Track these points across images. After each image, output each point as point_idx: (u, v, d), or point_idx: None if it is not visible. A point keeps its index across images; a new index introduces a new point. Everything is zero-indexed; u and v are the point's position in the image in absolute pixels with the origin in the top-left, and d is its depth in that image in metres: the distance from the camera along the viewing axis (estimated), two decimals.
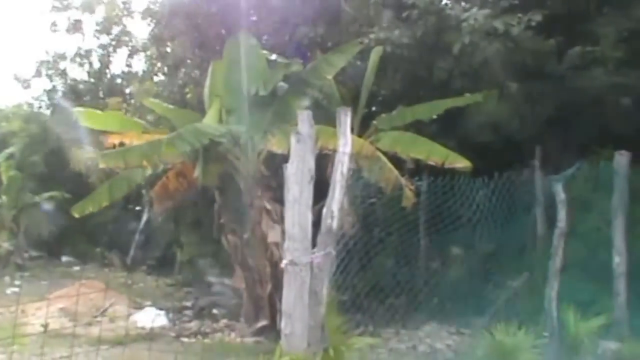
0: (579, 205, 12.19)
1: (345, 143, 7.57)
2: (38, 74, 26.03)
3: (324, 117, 12.10)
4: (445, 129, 12.93)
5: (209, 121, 11.75)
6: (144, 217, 21.98)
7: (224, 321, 13.19)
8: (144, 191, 19.17)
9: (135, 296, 15.77)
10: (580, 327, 9.76)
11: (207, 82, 12.87)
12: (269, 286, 11.70)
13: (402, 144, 11.77)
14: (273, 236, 11.49)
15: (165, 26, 17.02)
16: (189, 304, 15.22)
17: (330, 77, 12.17)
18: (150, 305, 14.36)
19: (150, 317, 13.18)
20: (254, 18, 14.43)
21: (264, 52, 12.32)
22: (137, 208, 23.06)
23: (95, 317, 13.39)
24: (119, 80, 25.61)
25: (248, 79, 11.78)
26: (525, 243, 13.27)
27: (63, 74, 25.77)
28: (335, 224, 7.31)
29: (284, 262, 6.94)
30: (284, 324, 6.84)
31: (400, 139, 11.96)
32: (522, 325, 9.84)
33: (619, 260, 11.08)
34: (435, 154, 11.53)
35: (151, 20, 19.24)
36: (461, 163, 11.43)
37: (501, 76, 12.04)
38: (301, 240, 6.91)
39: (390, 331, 11.90)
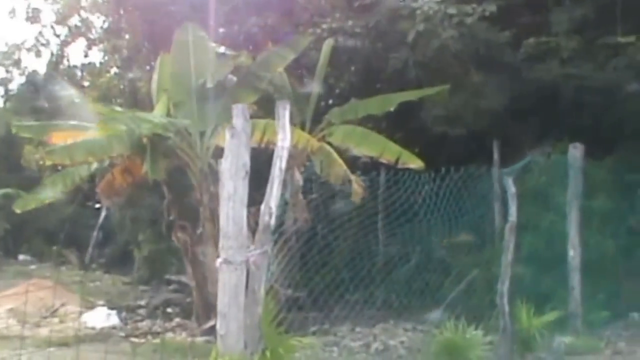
0: (535, 199, 12.22)
1: (284, 137, 7.46)
2: None
3: (273, 110, 12.03)
4: (401, 121, 12.85)
5: (156, 114, 11.56)
6: (102, 215, 21.70)
7: (176, 320, 13.01)
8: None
9: (88, 295, 15.48)
10: (533, 322, 9.75)
11: (155, 76, 12.66)
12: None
13: (354, 139, 11.63)
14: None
15: (114, 19, 16.77)
16: (143, 302, 15.02)
17: (280, 69, 12.00)
18: (103, 305, 14.10)
19: (101, 317, 12.96)
20: (204, 9, 14.19)
21: (213, 44, 12.10)
22: (97, 205, 22.76)
23: (45, 317, 13.14)
24: (78, 73, 25.26)
25: (196, 72, 11.56)
26: (484, 237, 13.24)
27: (18, 64, 25.33)
28: (273, 221, 7.19)
29: (218, 260, 6.85)
30: (219, 325, 6.73)
31: (352, 133, 11.82)
32: (475, 321, 9.84)
33: (573, 254, 11.10)
34: (388, 151, 11.42)
35: (100, 14, 18.96)
36: (414, 162, 11.34)
37: (456, 66, 11.95)
38: (236, 238, 6.79)
39: (346, 329, 11.75)
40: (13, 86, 26.08)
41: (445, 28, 11.66)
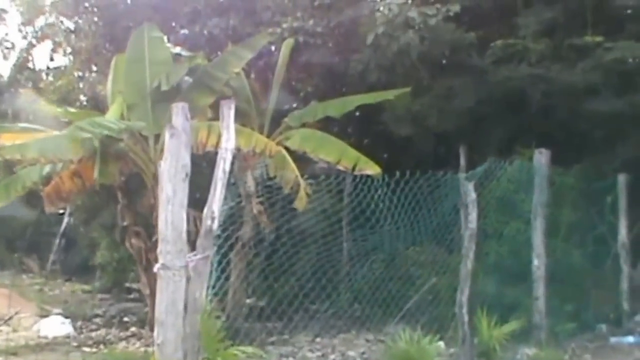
0: (501, 206, 12.08)
1: (227, 138, 7.30)
2: None
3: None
4: (366, 125, 12.71)
5: (110, 118, 11.33)
6: (65, 221, 21.38)
7: (132, 329, 12.79)
8: None
9: (46, 303, 15.29)
10: (494, 333, 9.62)
11: (110, 78, 12.45)
12: None
13: (311, 144, 11.42)
14: None
15: (74, 20, 16.56)
16: (100, 311, 14.78)
17: (237, 70, 11.78)
18: (59, 313, 13.86)
19: (55, 326, 12.74)
20: (166, 10, 14.02)
21: (169, 45, 11.92)
22: (60, 211, 22.40)
23: None
24: (43, 76, 24.90)
25: (150, 74, 11.32)
26: (450, 245, 13.08)
27: None
28: (215, 225, 7.05)
29: (157, 266, 6.66)
30: (156, 333, 6.58)
31: (311, 137, 11.64)
32: (438, 331, 9.71)
33: (538, 263, 10.97)
34: (346, 157, 11.20)
35: (59, 15, 18.67)
36: (371, 169, 11.12)
37: (418, 69, 11.83)
38: (174, 242, 6.61)
39: (306, 339, 11.57)
40: None
41: (405, 31, 11.49)
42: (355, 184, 11.45)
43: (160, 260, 6.62)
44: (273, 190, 11.37)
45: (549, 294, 10.93)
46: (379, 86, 12.35)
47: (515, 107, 12.60)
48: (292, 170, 11.09)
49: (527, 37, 12.10)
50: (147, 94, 11.30)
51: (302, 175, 11.15)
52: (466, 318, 9.26)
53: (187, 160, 6.77)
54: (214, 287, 9.04)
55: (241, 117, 12.01)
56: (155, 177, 11.08)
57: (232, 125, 7.39)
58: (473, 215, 9.50)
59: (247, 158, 11.25)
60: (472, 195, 9.59)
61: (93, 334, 12.69)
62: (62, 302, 16.18)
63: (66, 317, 13.24)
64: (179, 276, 6.63)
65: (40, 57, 25.06)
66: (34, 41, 23.93)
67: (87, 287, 18.77)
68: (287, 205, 11.50)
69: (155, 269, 6.68)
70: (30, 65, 25.20)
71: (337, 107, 11.99)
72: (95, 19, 15.41)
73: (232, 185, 11.16)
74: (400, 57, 11.87)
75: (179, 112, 6.92)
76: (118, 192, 11.88)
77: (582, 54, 12.30)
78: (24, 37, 23.69)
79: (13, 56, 25.26)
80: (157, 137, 11.17)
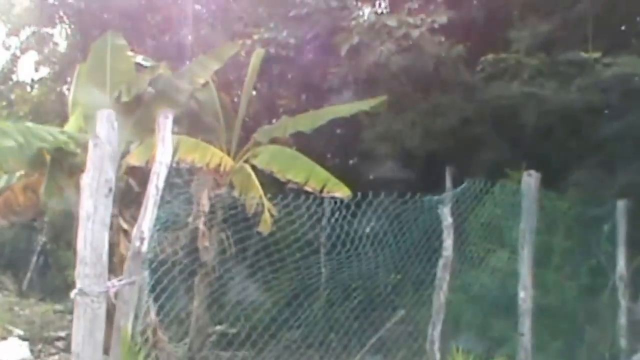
0: (487, 232, 11.44)
1: (163, 152, 6.75)
2: None
3: (196, 126, 11.34)
4: (347, 143, 12.09)
5: (68, 128, 10.87)
6: (42, 239, 20.85)
7: None
8: None
9: (11, 324, 14.75)
10: None
11: (72, 88, 11.95)
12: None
13: (279, 163, 10.85)
14: None
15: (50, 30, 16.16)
16: (64, 334, 14.16)
17: (202, 81, 11.30)
18: (20, 335, 13.31)
19: (11, 349, 12.23)
20: (137, 18, 13.53)
21: (131, 53, 11.36)
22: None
23: None
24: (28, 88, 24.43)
25: (111, 84, 10.88)
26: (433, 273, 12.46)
27: None
28: (145, 247, 6.48)
29: (73, 291, 6.08)
30: None
31: (279, 155, 11.10)
32: None
33: (524, 296, 10.16)
34: (314, 177, 10.66)
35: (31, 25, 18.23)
36: (340, 191, 10.55)
37: (401, 84, 11.21)
38: (94, 265, 5.98)
39: None
40: None
41: (383, 42, 10.89)
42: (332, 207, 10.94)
43: (78, 285, 6.03)
44: (238, 212, 10.82)
45: (536, 330, 10.20)
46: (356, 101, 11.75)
47: (507, 126, 11.96)
48: (256, 189, 10.50)
49: (521, 51, 11.45)
50: (106, 105, 10.74)
51: (267, 195, 10.55)
52: (438, 356, 8.61)
53: (110, 174, 6.18)
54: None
55: (207, 132, 11.57)
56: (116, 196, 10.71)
57: (168, 137, 6.87)
58: (448, 242, 8.91)
59: (206, 175, 10.68)
60: (448, 220, 8.97)
61: (50, 359, 12.24)
62: (27, 323, 15.65)
63: (25, 340, 12.78)
64: (98, 303, 6.03)
65: (25, 69, 24.79)
66: (17, 52, 23.52)
67: (59, 307, 18.15)
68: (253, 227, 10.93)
69: (72, 295, 6.09)
70: (14, 77, 24.81)
71: (308, 121, 11.50)
72: (68, 29, 14.92)
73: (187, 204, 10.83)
74: (378, 70, 11.26)
75: (103, 119, 6.32)
76: (74, 210, 11.32)
77: (580, 70, 11.65)
78: (7, 49, 23.23)
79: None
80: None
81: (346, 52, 11.14)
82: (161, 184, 6.65)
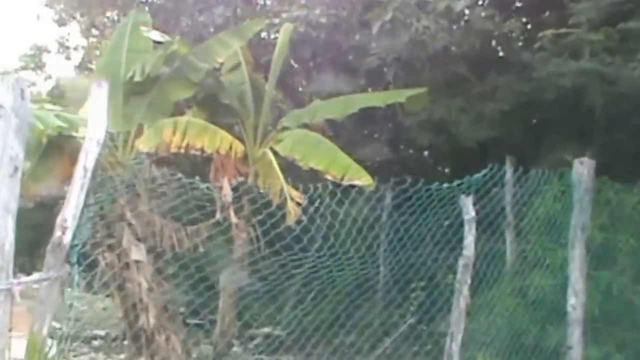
0: (545, 229, 9.94)
1: (95, 126, 5.68)
2: (22, 67, 24.88)
3: (216, 109, 10.34)
4: (379, 128, 10.79)
5: (84, 114, 10.04)
6: None
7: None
8: None
9: (54, 321, 14.14)
10: None
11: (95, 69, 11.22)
12: (148, 316, 9.84)
13: (302, 149, 9.82)
14: (136, 254, 9.58)
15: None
16: (103, 332, 13.47)
17: (221, 59, 10.30)
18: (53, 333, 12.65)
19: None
20: None
21: (154, 31, 10.42)
22: None
23: None
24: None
25: (126, 63, 10.00)
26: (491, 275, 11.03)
27: (41, 67, 24.59)
28: (68, 238, 5.44)
29: None
30: None
31: (303, 141, 10.07)
32: None
33: (574, 303, 8.60)
34: (335, 165, 9.59)
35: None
36: (362, 179, 9.38)
37: (441, 65, 9.79)
38: None
39: None
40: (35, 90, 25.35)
41: (419, 18, 9.50)
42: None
43: None
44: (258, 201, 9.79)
45: (588, 342, 8.60)
46: (398, 85, 10.45)
47: (572, 111, 10.33)
48: (277, 177, 9.39)
49: (583, 25, 9.80)
50: (119, 86, 9.87)
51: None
52: None
53: (17, 150, 5.16)
54: None
55: (229, 116, 10.55)
56: (125, 183, 9.84)
57: (102, 109, 5.78)
58: (469, 239, 7.47)
59: (224, 162, 9.63)
60: (471, 213, 7.52)
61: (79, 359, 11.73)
62: (77, 319, 15.06)
63: (65, 338, 12.12)
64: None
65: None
66: (94, 40, 23.25)
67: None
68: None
69: None
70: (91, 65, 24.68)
71: (338, 108, 10.37)
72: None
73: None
74: (415, 49, 9.86)
75: (9, 87, 5.30)
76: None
77: None
78: (85, 37, 22.98)
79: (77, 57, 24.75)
80: (127, 135, 9.75)
81: (379, 30, 9.83)
82: (90, 164, 5.61)
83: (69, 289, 19.23)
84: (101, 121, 5.73)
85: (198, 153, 9.57)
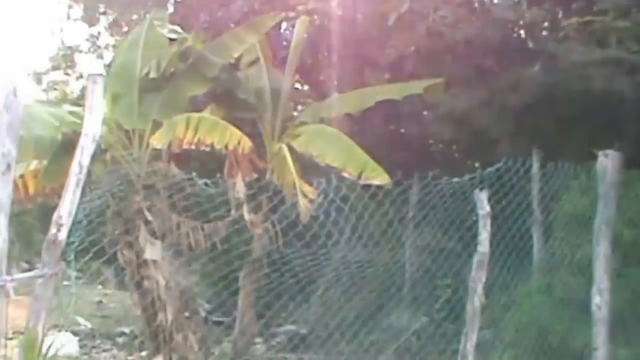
0: (575, 227, 9.64)
1: (91, 121, 5.60)
2: (54, 67, 25.00)
3: (232, 104, 10.22)
4: (405, 122, 10.57)
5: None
6: None
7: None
8: None
9: (82, 317, 14.22)
10: None
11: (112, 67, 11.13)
12: (166, 314, 9.77)
13: (318, 145, 9.65)
14: (151, 253, 9.49)
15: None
16: (127, 330, 13.42)
17: (236, 55, 10.17)
18: (76, 330, 12.73)
19: (59, 344, 11.53)
20: None
21: (171, 27, 10.32)
22: None
23: (11, 338, 11.85)
24: None
25: (142, 60, 9.90)
26: (520, 273, 10.74)
27: (72, 66, 24.66)
28: (63, 235, 5.39)
29: None
30: None
31: (319, 136, 9.91)
32: None
33: (599, 301, 8.33)
34: (351, 163, 9.37)
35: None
36: (379, 178, 9.17)
37: (461, 57, 9.53)
38: None
39: None
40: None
41: (436, 8, 9.26)
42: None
43: None
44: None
45: (619, 342, 8.29)
46: (416, 78, 10.22)
47: (601, 102, 9.99)
48: (290, 172, 9.24)
49: (610, 13, 9.48)
50: (134, 83, 9.81)
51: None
52: None
53: (10, 147, 5.14)
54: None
55: (246, 111, 10.42)
56: (141, 180, 9.78)
57: (98, 105, 5.69)
58: (484, 235, 7.21)
59: (239, 159, 9.50)
60: (486, 208, 7.26)
61: (98, 356, 11.76)
62: (104, 316, 15.12)
63: (74, 335, 12.12)
64: None
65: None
66: (120, 39, 23.22)
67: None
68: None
69: None
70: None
71: (354, 102, 10.21)
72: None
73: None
74: (433, 41, 9.62)
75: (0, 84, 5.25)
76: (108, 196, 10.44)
77: None
78: (112, 35, 22.98)
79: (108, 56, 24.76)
80: (142, 132, 9.66)
81: (395, 21, 9.62)
82: (86, 161, 5.53)
83: (100, 286, 19.66)
84: (97, 117, 5.64)
85: (215, 149, 9.48)
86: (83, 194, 5.74)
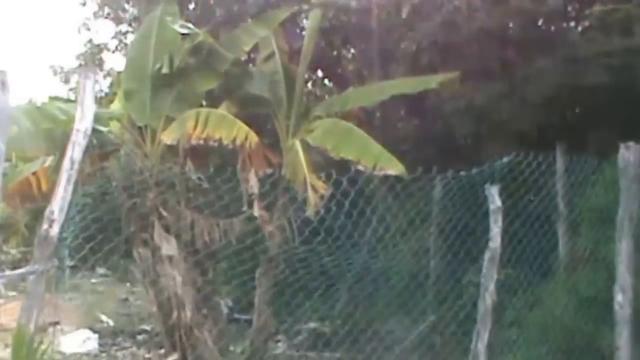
0: (599, 223, 9.32)
1: (82, 117, 5.50)
2: (81, 66, 25.09)
3: (244, 99, 10.08)
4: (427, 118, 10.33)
5: (114, 108, 9.96)
6: None
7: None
8: None
9: (105, 315, 14.29)
10: None
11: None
12: (184, 311, 9.68)
13: (334, 139, 9.41)
14: (167, 249, 9.41)
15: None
16: (149, 327, 13.34)
17: (247, 49, 10.07)
18: (95, 328, 12.71)
19: (79, 341, 11.57)
20: None
21: (182, 22, 10.18)
22: None
23: None
24: None
25: (154, 55, 9.75)
26: (542, 271, 10.45)
27: (101, 65, 24.72)
28: (55, 231, 5.31)
29: None
30: None
31: (334, 130, 9.66)
32: None
33: (622, 299, 8.03)
34: (366, 155, 9.13)
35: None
36: (394, 168, 8.92)
37: (477, 48, 9.26)
38: None
39: None
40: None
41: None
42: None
43: None
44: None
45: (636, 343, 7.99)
46: (435, 72, 9.98)
47: (622, 91, 9.67)
48: (301, 166, 9.09)
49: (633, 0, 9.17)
50: (147, 78, 9.69)
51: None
52: None
53: None
54: None
55: (263, 107, 10.30)
56: (154, 177, 9.68)
57: (90, 99, 5.56)
58: (495, 231, 6.97)
59: (251, 154, 9.37)
60: (497, 203, 7.02)
61: (117, 354, 11.67)
62: (126, 314, 15.07)
63: (94, 332, 12.16)
64: None
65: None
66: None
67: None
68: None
69: None
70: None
71: (368, 95, 10.04)
72: None
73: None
74: (447, 32, 9.36)
75: None
76: (121, 192, 10.36)
77: None
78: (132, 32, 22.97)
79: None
80: (154, 128, 9.56)
81: (409, 13, 9.40)
82: (78, 156, 5.44)
83: (128, 284, 19.62)
84: (88, 112, 5.54)
85: (230, 145, 9.36)
86: (76, 190, 5.65)
